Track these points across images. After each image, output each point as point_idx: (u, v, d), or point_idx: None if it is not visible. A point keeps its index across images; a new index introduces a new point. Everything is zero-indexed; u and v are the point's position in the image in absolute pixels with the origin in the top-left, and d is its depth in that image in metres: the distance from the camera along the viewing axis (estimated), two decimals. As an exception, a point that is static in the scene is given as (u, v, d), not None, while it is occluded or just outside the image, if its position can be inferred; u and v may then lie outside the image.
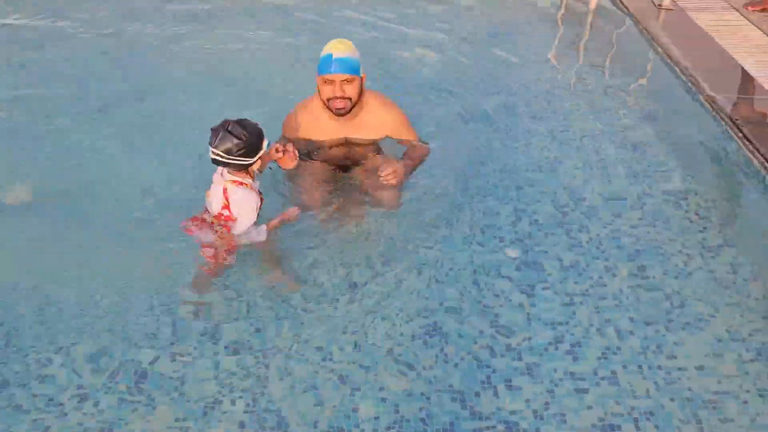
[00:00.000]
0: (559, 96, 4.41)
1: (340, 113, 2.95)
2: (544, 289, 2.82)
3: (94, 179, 3.43)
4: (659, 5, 5.63)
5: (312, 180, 3.09)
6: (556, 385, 2.41)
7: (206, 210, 2.75)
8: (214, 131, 2.50)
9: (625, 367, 2.49)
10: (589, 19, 5.69)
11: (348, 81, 2.86)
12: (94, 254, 2.92)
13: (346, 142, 3.15)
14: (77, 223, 3.11)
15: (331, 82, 2.85)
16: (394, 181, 2.91)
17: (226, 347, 2.51)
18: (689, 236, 3.15)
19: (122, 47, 4.92)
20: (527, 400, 2.35)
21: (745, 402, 2.36)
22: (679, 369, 2.48)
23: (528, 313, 2.71)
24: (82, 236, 3.02)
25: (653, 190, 3.45)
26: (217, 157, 2.52)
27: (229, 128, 2.48)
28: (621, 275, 2.91)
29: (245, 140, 2.49)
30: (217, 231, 2.69)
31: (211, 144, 2.51)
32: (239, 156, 2.51)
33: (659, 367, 2.48)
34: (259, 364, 2.45)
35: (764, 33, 5.14)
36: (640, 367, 2.49)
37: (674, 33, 5.14)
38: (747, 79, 4.41)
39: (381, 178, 2.90)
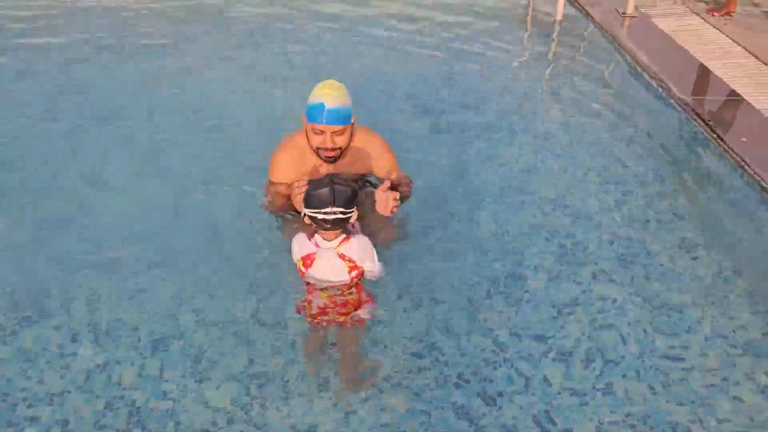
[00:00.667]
0: (531, 105, 4.43)
1: (330, 161, 2.74)
2: (528, 301, 2.79)
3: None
4: (623, 13, 5.73)
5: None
6: (554, 397, 2.38)
7: (310, 291, 2.50)
8: (322, 192, 2.27)
9: (624, 376, 2.47)
10: (556, 28, 5.75)
11: (339, 132, 2.67)
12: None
13: None
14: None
15: (322, 132, 2.65)
16: (392, 210, 2.65)
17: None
18: (669, 237, 3.16)
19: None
20: (521, 407, 2.32)
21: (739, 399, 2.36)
22: (678, 370, 2.47)
23: (516, 326, 2.68)
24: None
25: (632, 193, 3.46)
26: (338, 216, 2.28)
27: (336, 181, 2.30)
28: (607, 281, 2.90)
29: (352, 188, 2.32)
30: (349, 300, 2.46)
31: (329, 204, 2.26)
32: (350, 207, 2.32)
33: (656, 370, 2.47)
34: (254, 391, 2.38)
35: (727, 36, 5.25)
36: (637, 372, 2.47)
37: (640, 39, 5.22)
38: (715, 81, 4.49)
39: (380, 211, 2.65)
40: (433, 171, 3.58)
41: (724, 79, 4.50)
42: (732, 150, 3.65)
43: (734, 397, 2.37)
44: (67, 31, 5.48)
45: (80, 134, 3.95)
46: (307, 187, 2.40)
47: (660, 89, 4.46)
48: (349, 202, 2.30)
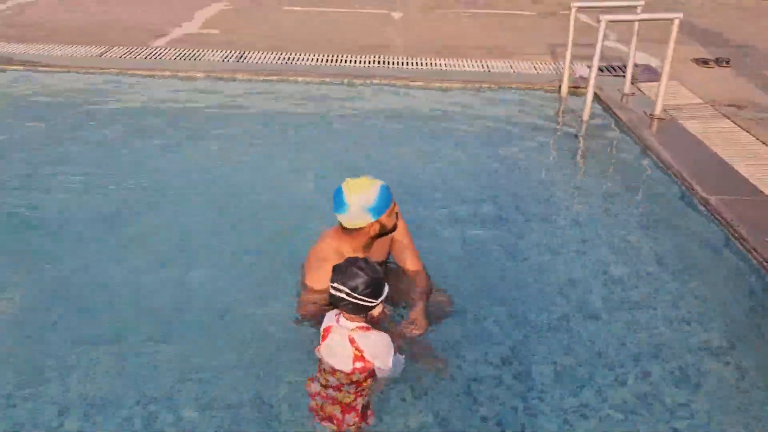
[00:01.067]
0: (557, 203, 4.46)
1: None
2: (539, 399, 2.72)
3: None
4: (650, 115, 5.81)
5: None
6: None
7: (318, 370, 2.48)
8: (340, 268, 2.31)
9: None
10: (584, 128, 5.86)
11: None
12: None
13: None
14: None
15: (394, 207, 2.87)
16: (418, 332, 2.81)
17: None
18: (690, 340, 3.07)
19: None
20: None
21: None
22: None
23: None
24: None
25: (654, 294, 3.41)
26: (343, 296, 2.28)
27: (357, 264, 2.31)
28: (626, 380, 2.81)
29: (372, 276, 2.29)
30: (339, 399, 2.40)
31: (338, 281, 2.29)
32: (366, 294, 2.28)
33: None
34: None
35: (754, 137, 5.24)
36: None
37: (666, 140, 5.26)
38: (740, 181, 4.45)
39: (407, 334, 2.79)
40: (453, 263, 3.63)
41: (750, 180, 4.46)
42: (755, 250, 3.57)
43: None
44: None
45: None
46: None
47: (683, 187, 4.44)
48: (355, 288, 2.26)
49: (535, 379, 2.79)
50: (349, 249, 2.85)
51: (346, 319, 2.36)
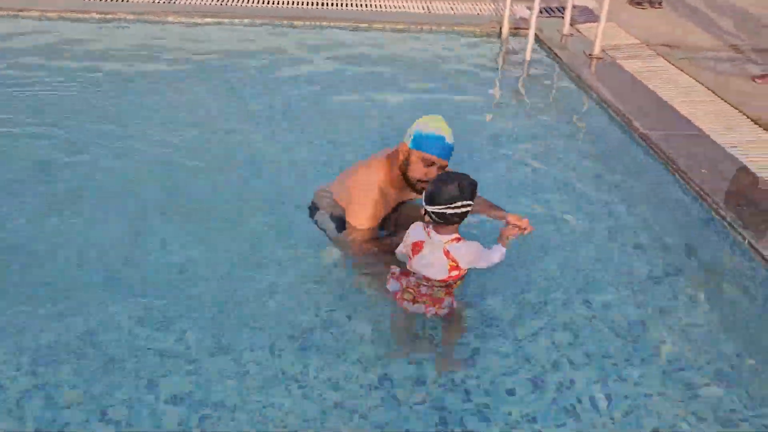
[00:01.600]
0: (502, 144, 4.48)
1: (420, 191, 2.68)
2: (495, 327, 2.77)
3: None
4: (590, 55, 5.87)
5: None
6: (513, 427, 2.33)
7: (402, 275, 2.60)
8: (451, 187, 2.38)
9: (580, 401, 2.43)
10: (526, 69, 5.88)
11: (444, 167, 2.74)
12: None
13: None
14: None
15: (431, 164, 2.69)
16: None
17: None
18: (635, 271, 3.17)
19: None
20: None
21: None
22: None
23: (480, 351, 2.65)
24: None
25: (598, 225, 3.49)
26: (467, 209, 2.41)
27: (460, 177, 2.43)
28: (571, 309, 2.88)
29: (475, 182, 2.46)
30: (432, 294, 2.54)
31: (459, 198, 2.38)
32: (463, 207, 2.40)
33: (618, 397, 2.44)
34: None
35: (687, 75, 5.39)
36: (594, 398, 2.44)
37: (605, 79, 5.34)
38: (677, 117, 4.58)
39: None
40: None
41: (686, 116, 4.59)
42: (693, 181, 3.70)
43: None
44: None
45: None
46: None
47: (624, 124, 4.54)
48: (475, 192, 2.44)
49: (484, 312, 2.83)
50: (387, 182, 2.84)
51: (438, 233, 2.47)
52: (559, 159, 4.23)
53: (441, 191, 2.38)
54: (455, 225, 2.48)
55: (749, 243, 3.16)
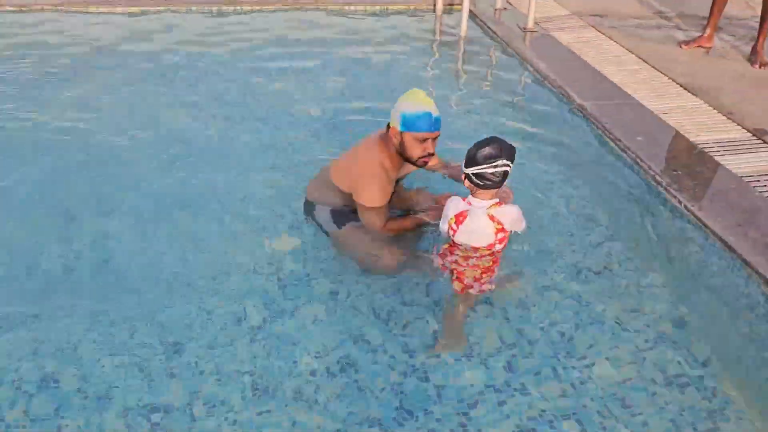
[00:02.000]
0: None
1: (425, 165, 2.89)
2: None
3: None
4: (524, 28, 5.93)
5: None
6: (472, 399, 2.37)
7: (446, 253, 2.77)
8: (491, 148, 2.52)
9: (537, 373, 2.49)
10: (461, 45, 5.90)
11: (437, 137, 2.80)
12: None
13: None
14: None
15: (425, 140, 2.74)
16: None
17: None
18: (577, 236, 3.25)
19: None
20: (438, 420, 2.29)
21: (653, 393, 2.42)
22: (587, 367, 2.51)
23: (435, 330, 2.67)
24: None
25: (537, 195, 3.54)
26: (507, 168, 2.56)
27: (499, 141, 2.57)
28: (522, 282, 2.94)
29: (507, 147, 2.57)
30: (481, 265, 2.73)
31: (499, 157, 2.52)
32: (503, 166, 2.55)
33: (571, 368, 2.51)
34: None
35: (618, 44, 5.52)
36: (553, 369, 2.50)
37: (540, 51, 5.42)
38: (611, 87, 4.69)
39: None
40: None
41: (619, 85, 4.71)
42: (629, 149, 3.80)
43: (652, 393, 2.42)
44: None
45: None
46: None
47: (561, 96, 4.62)
48: (514, 155, 2.56)
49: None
50: (388, 161, 2.84)
51: (481, 199, 2.62)
52: (499, 133, 4.26)
53: (480, 152, 2.51)
54: (495, 189, 2.60)
55: (685, 206, 3.28)
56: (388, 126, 2.84)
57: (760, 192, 3.37)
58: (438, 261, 2.80)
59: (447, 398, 2.38)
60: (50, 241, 3.15)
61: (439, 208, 2.88)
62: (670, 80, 4.78)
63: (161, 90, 4.81)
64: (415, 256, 2.97)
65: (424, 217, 2.98)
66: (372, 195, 2.84)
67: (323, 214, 3.04)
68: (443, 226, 2.77)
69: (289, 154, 3.93)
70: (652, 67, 5.03)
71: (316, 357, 2.54)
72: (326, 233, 3.05)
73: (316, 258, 3.05)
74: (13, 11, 6.32)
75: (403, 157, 2.84)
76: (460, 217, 2.67)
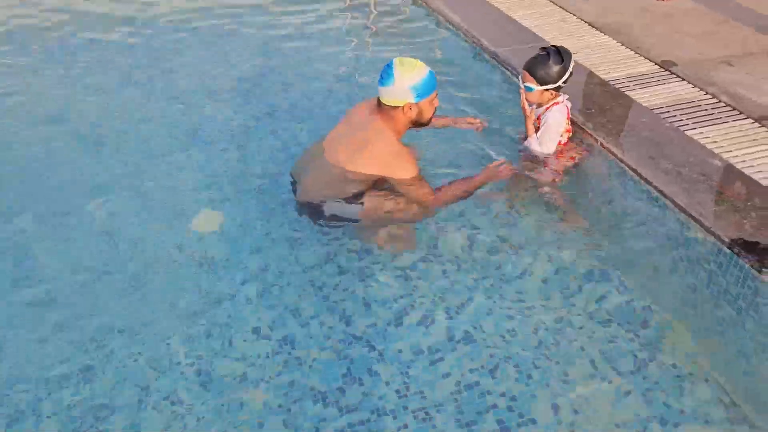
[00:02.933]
0: (353, 77, 4.44)
1: (429, 122, 2.89)
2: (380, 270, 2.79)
3: None
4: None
5: None
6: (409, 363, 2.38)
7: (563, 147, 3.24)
8: (556, 51, 3.02)
9: (475, 327, 2.52)
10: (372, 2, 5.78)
11: None
12: None
13: None
14: None
15: (436, 95, 2.81)
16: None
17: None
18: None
19: None
20: (387, 383, 2.30)
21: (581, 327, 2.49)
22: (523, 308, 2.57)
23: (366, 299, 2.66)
24: None
25: (464, 144, 3.55)
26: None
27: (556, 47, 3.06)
28: (454, 239, 2.95)
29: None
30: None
31: (568, 62, 3.02)
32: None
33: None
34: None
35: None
36: (483, 327, 2.53)
37: (451, 1, 5.37)
38: (521, 31, 4.71)
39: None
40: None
41: (531, 29, 4.73)
42: (544, 92, 3.83)
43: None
44: None
45: None
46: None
47: (473, 44, 4.60)
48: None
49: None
50: (399, 135, 2.81)
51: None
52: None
53: (561, 58, 3.01)
54: None
55: (601, 144, 3.36)
56: (383, 105, 2.74)
57: (671, 123, 3.49)
58: (557, 163, 3.13)
59: (390, 360, 2.39)
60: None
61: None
62: (579, 20, 4.84)
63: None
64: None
65: (482, 176, 2.99)
66: (411, 166, 2.78)
67: (335, 205, 2.82)
68: (549, 145, 3.14)
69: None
70: (562, 8, 5.07)
71: (255, 336, 2.49)
72: (342, 223, 2.88)
73: (242, 236, 2.98)
74: None
75: (418, 124, 2.83)
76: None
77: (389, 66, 2.70)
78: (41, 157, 3.58)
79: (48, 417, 2.21)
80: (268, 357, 2.42)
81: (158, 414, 2.22)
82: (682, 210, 2.88)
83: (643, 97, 3.74)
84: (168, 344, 2.47)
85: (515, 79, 4.08)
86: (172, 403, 2.25)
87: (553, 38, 4.54)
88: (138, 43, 4.96)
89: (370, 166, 2.76)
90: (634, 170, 3.14)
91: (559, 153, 3.21)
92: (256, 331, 2.52)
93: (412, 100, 2.70)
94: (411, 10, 5.53)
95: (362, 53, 4.78)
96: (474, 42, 4.62)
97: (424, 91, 2.70)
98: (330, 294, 2.68)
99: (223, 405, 2.24)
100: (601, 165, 3.32)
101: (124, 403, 2.25)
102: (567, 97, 3.19)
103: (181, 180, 3.37)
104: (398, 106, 2.72)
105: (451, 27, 4.94)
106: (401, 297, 2.65)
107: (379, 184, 2.82)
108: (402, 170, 2.77)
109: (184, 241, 2.96)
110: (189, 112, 4.00)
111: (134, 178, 3.39)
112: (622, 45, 4.40)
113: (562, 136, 3.18)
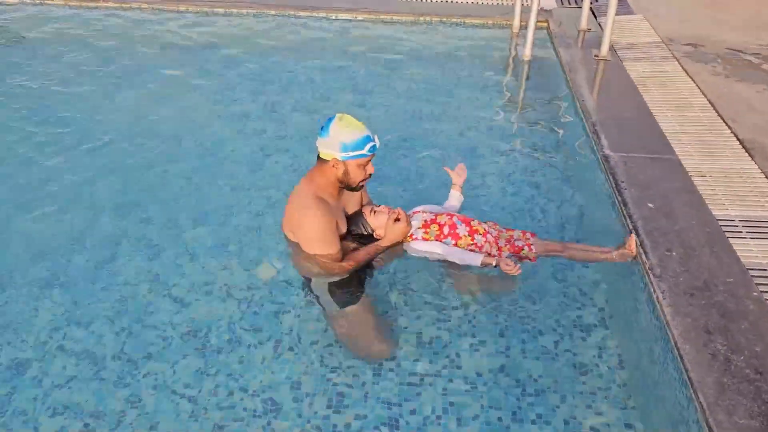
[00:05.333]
0: (489, 146, 4.35)
1: (360, 188, 2.86)
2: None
3: None
4: (596, 56, 5.40)
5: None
6: None
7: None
8: None
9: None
10: (521, 69, 5.51)
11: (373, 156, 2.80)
12: None
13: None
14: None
15: (368, 162, 2.76)
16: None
17: None
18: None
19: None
20: None
21: None
22: None
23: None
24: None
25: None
26: None
27: None
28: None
29: None
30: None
31: None
32: None
33: None
34: None
35: (695, 84, 4.82)
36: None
37: (597, 85, 4.90)
38: (653, 136, 4.12)
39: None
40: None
41: (667, 134, 4.13)
42: (631, 217, 3.32)
43: None
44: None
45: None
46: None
47: (593, 142, 4.15)
48: None
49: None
50: (324, 192, 2.78)
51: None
52: (514, 169, 3.98)
53: None
54: None
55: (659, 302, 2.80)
56: (319, 159, 2.74)
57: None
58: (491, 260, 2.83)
59: None
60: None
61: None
62: (732, 134, 4.10)
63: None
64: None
65: (381, 243, 2.86)
66: (313, 231, 2.72)
67: (320, 288, 2.85)
68: (475, 259, 2.82)
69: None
70: (719, 114, 4.35)
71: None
72: (323, 307, 2.87)
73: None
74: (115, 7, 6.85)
75: (344, 184, 2.77)
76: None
77: (330, 118, 2.71)
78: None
79: None
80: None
81: None
82: None
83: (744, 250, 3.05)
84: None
85: (611, 192, 3.61)
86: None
87: (685, 152, 3.89)
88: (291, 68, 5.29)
89: (288, 228, 2.79)
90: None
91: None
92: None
93: (339, 157, 2.64)
94: (553, 86, 5.18)
95: (478, 120, 4.59)
96: (594, 137, 4.15)
97: (353, 149, 2.65)
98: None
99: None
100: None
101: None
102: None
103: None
104: (327, 160, 2.69)
105: (580, 114, 4.50)
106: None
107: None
108: (304, 231, 2.71)
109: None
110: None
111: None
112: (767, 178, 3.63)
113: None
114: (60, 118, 4.65)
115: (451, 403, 2.51)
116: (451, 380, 2.61)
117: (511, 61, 5.80)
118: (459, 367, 2.68)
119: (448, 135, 4.46)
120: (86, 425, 2.43)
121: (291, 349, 2.75)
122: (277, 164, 4.11)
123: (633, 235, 3.01)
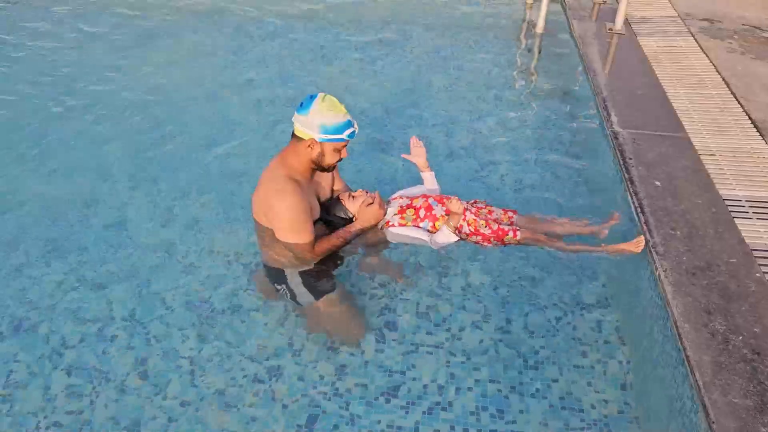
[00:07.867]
0: (498, 118, 4.32)
1: (332, 169, 2.77)
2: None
3: None
4: (609, 29, 5.32)
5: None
6: None
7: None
8: None
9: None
10: (533, 42, 5.44)
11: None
12: None
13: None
14: None
15: (344, 146, 2.69)
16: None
17: None
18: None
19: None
20: None
21: None
22: None
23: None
24: None
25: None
26: None
27: None
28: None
29: None
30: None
31: None
32: None
33: None
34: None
35: (710, 61, 4.75)
36: None
37: (609, 60, 4.84)
38: (664, 114, 4.08)
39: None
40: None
41: (678, 112, 4.08)
42: (636, 194, 3.31)
43: None
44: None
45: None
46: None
47: (602, 117, 4.11)
48: None
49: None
50: (297, 173, 2.67)
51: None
52: (519, 144, 3.95)
53: None
54: None
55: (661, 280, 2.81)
56: (294, 136, 2.65)
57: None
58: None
59: None
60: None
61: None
62: (744, 113, 4.06)
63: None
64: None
65: (353, 226, 2.80)
66: (288, 216, 2.61)
67: (294, 281, 2.76)
68: (444, 238, 2.77)
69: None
70: (732, 93, 4.29)
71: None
72: (296, 302, 2.81)
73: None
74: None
75: (317, 165, 2.69)
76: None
77: (312, 96, 2.60)
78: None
79: None
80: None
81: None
82: None
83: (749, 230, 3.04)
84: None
85: (618, 168, 3.59)
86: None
87: (695, 130, 3.86)
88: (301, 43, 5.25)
89: (260, 212, 2.69)
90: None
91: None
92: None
93: (317, 138, 2.57)
94: (564, 60, 5.12)
95: (485, 94, 4.55)
96: (604, 113, 4.11)
97: (332, 133, 2.58)
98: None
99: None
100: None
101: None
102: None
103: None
104: (303, 139, 2.60)
105: (591, 90, 4.45)
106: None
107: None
108: (279, 212, 2.60)
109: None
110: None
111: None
112: (779, 157, 3.60)
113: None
114: (72, 82, 4.66)
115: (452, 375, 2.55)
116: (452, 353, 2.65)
117: (523, 33, 5.72)
118: (459, 339, 2.71)
119: (458, 106, 4.43)
120: (94, 388, 2.49)
121: (298, 316, 2.80)
122: (283, 134, 4.10)
123: (642, 237, 2.95)
